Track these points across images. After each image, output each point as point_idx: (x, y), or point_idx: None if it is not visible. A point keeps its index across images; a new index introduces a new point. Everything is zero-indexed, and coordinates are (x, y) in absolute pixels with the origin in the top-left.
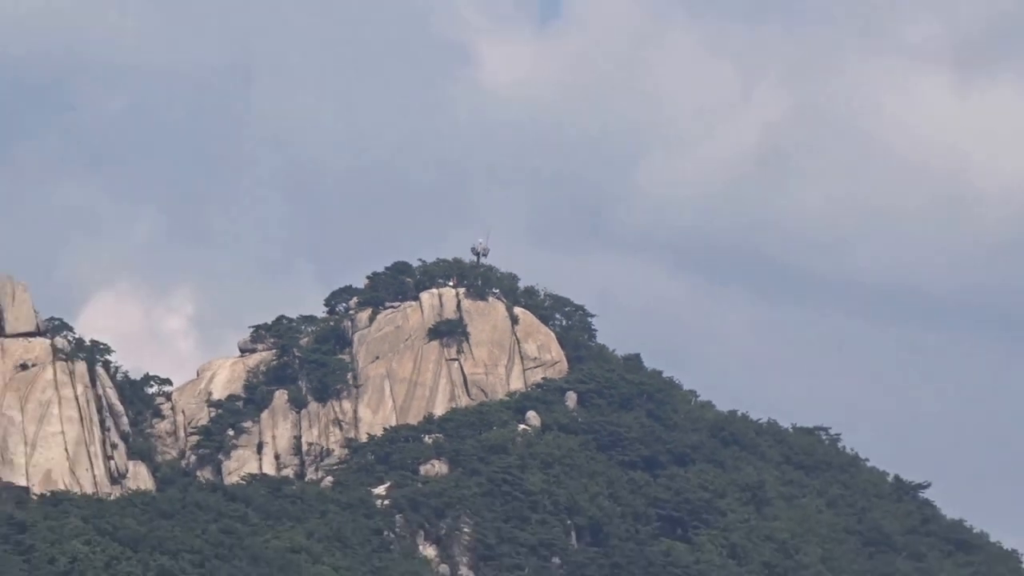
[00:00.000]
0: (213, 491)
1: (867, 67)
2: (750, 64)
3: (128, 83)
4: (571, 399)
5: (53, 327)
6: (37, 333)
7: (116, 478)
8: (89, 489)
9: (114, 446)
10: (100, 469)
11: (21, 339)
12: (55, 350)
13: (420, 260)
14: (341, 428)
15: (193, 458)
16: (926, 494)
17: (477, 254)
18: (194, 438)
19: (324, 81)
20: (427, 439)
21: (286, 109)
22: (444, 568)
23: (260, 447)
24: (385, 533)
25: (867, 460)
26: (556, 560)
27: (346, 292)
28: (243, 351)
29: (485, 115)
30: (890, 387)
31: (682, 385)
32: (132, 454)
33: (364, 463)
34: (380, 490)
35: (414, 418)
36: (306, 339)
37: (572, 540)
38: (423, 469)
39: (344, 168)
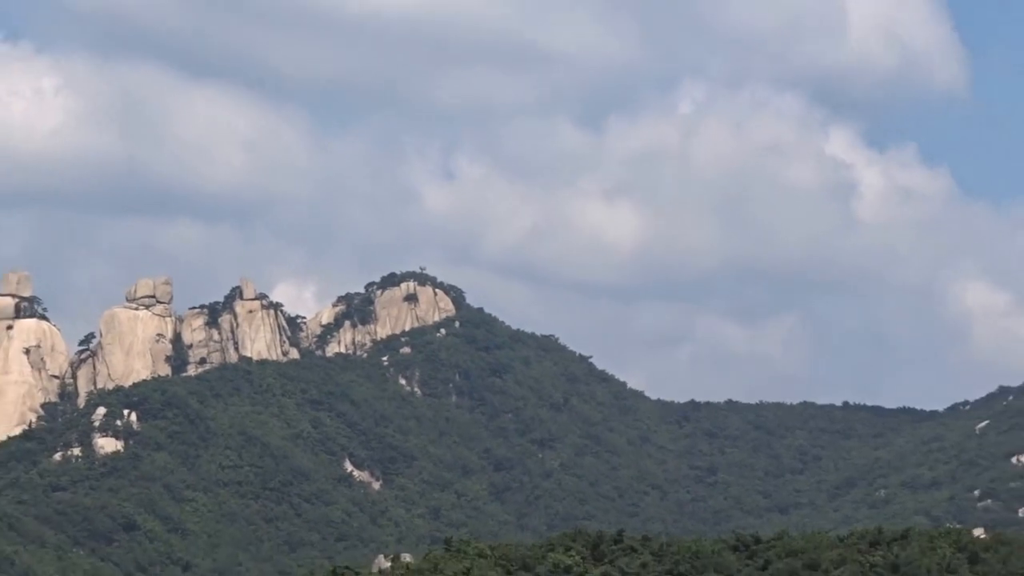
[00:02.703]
0: (323, 358)
1: (566, 198)
2: (529, 198)
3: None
4: (456, 324)
5: (262, 296)
6: (256, 299)
7: (284, 353)
8: (274, 358)
9: (283, 342)
10: (278, 350)
11: (249, 301)
12: (262, 305)
13: (399, 271)
14: (371, 335)
15: (315, 347)
16: (591, 361)
17: (421, 270)
18: (315, 339)
19: (352, 203)
20: (403, 339)
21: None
22: (409, 389)
23: (340, 343)
24: (386, 370)
25: (568, 347)
26: (454, 385)
27: (372, 284)
28: (334, 306)
29: (424, 219)
30: (584, 324)
31: (501, 320)
32: (291, 345)
33: (378, 348)
34: (385, 359)
35: (398, 331)
36: (357, 300)
37: (457, 377)
38: (401, 350)
39: (362, 240)
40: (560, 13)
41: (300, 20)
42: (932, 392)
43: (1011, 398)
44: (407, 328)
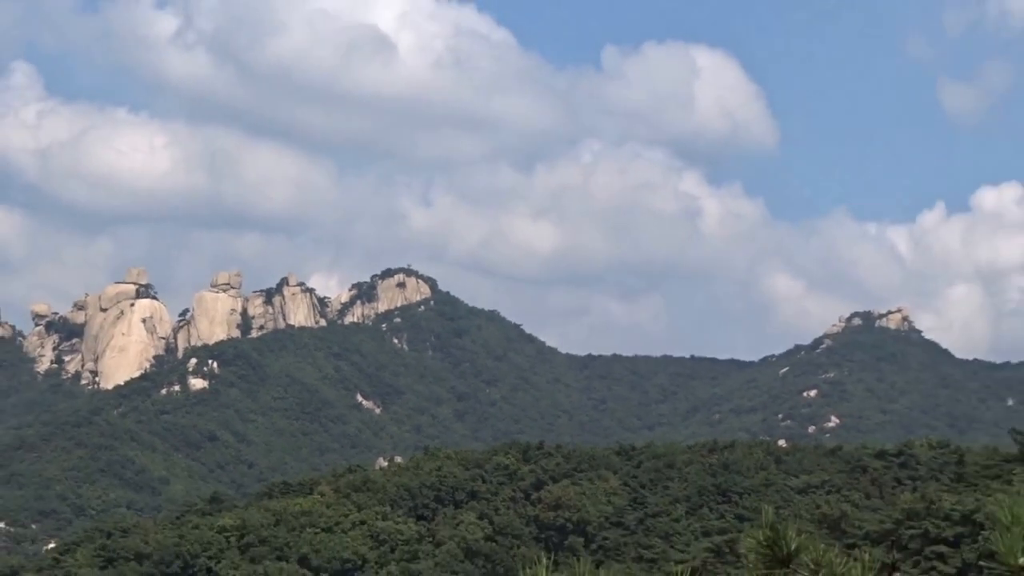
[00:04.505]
0: (342, 326)
1: (506, 219)
2: (480, 219)
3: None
4: (431, 303)
5: (302, 284)
6: (297, 286)
7: (316, 322)
8: (310, 325)
9: (316, 315)
10: (312, 320)
11: (293, 287)
12: (301, 290)
13: (393, 267)
14: (375, 310)
15: (337, 318)
16: (522, 327)
17: (408, 266)
18: (337, 313)
19: (362, 222)
20: (396, 312)
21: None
22: (400, 346)
23: (353, 315)
24: (384, 334)
25: (507, 318)
26: (430, 343)
27: (375, 275)
28: (349, 290)
29: (410, 232)
30: (517, 302)
31: (462, 300)
32: (320, 316)
33: (379, 318)
34: (384, 326)
35: (393, 307)
36: (365, 287)
37: (432, 338)
38: (394, 320)
39: (368, 246)
40: (501, 93)
41: (328, 97)
42: (750, 348)
43: (803, 352)
44: (399, 305)
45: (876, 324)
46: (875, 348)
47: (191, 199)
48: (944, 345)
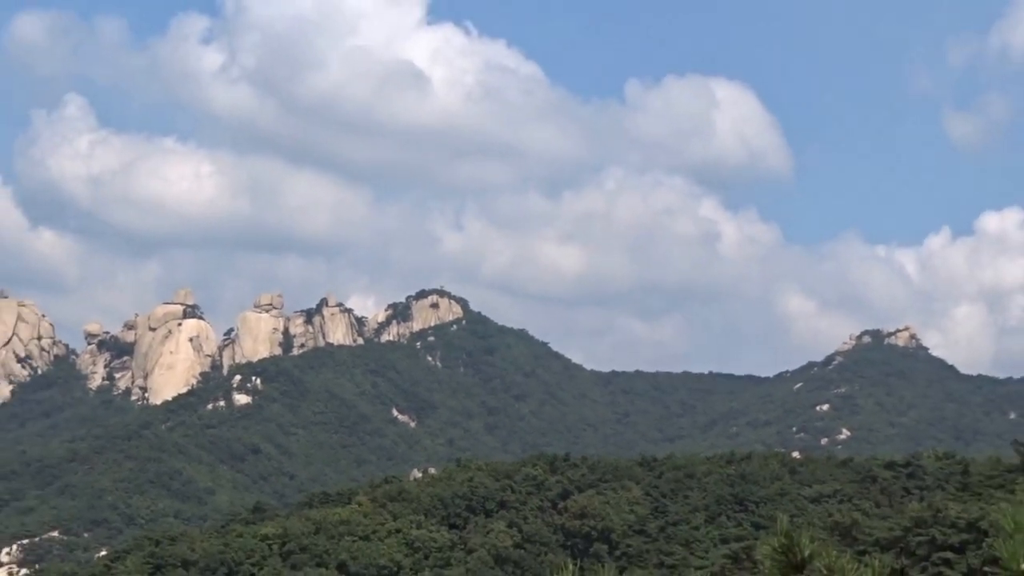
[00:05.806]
0: (379, 344)
1: (534, 242)
2: (510, 242)
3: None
4: (463, 322)
5: (340, 304)
6: (336, 306)
7: (354, 341)
8: (348, 343)
9: (354, 333)
10: (350, 339)
11: (332, 307)
12: (340, 310)
13: (427, 288)
14: (410, 329)
15: (374, 336)
16: (549, 345)
17: (441, 287)
18: (374, 331)
19: (397, 245)
20: (429, 330)
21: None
22: (433, 363)
23: (389, 334)
24: (419, 351)
25: (535, 336)
26: (462, 360)
27: (410, 296)
28: (386, 310)
29: (443, 255)
30: (544, 321)
31: (492, 319)
32: (358, 335)
33: (414, 337)
34: (418, 344)
35: (427, 326)
36: (400, 307)
37: (464, 356)
38: (428, 338)
39: (404, 268)
40: (530, 123)
41: (365, 128)
42: (766, 365)
43: (816, 369)
44: (432, 324)
45: (885, 342)
46: (884, 364)
47: (235, 224)
48: (950, 361)
